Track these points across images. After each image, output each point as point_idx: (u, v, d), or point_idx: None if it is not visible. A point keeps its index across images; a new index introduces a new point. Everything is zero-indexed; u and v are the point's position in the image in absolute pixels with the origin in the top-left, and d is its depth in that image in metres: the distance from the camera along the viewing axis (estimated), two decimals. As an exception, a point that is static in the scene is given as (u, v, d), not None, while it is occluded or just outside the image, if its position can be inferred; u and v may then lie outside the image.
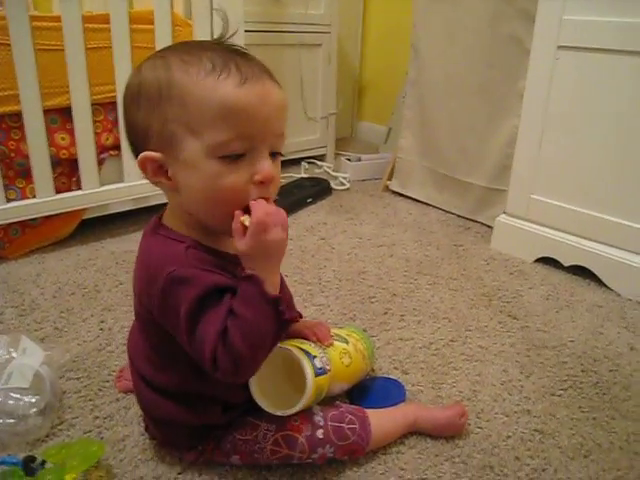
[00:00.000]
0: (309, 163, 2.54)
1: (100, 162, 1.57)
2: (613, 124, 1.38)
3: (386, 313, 1.30)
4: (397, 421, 0.89)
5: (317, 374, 0.80)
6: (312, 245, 1.66)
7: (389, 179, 2.19)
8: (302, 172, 2.42)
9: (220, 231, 0.73)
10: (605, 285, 1.45)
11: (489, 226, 1.77)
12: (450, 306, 1.34)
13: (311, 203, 2.01)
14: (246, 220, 0.67)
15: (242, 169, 0.68)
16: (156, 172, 0.70)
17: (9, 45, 1.33)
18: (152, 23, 1.53)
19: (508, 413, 0.98)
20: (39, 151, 1.43)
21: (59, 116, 1.48)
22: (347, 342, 0.94)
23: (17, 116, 1.40)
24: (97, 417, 0.93)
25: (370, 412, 0.86)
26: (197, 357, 0.70)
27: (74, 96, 1.45)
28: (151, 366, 0.79)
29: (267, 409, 0.79)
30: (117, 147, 1.59)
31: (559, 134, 1.48)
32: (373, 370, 1.06)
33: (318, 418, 0.82)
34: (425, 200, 2.05)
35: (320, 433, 0.81)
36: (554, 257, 1.55)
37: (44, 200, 1.48)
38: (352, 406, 0.88)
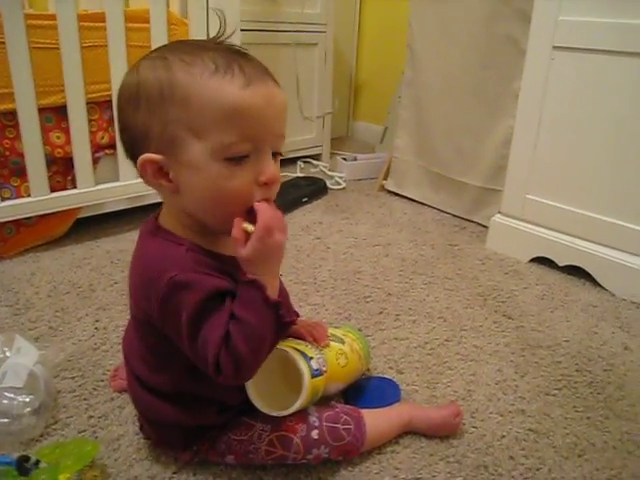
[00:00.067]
0: (305, 162, 2.54)
1: (95, 161, 1.57)
2: (608, 125, 1.38)
3: (381, 312, 1.30)
4: (392, 421, 0.89)
5: (313, 375, 0.80)
6: (307, 244, 1.66)
7: (385, 179, 2.19)
8: (298, 171, 2.42)
9: (220, 232, 0.72)
10: (600, 285, 1.46)
11: (484, 226, 1.78)
12: (445, 306, 1.34)
13: (307, 202, 2.01)
14: (248, 227, 0.67)
15: (246, 170, 0.67)
16: (156, 174, 0.69)
17: (4, 43, 1.32)
18: (148, 22, 1.53)
19: (503, 413, 0.99)
20: (34, 150, 1.43)
21: (54, 115, 1.48)
22: (343, 342, 0.94)
23: (12, 114, 1.40)
24: (92, 416, 0.93)
25: (365, 412, 0.86)
26: (199, 361, 0.70)
27: (69, 94, 1.45)
28: (146, 366, 0.79)
29: (262, 409, 0.79)
30: (112, 146, 1.58)
31: (554, 134, 1.49)
32: (368, 370, 1.06)
33: (313, 419, 0.82)
34: (421, 200, 2.06)
35: (315, 434, 0.81)
36: (549, 257, 1.56)
37: (39, 199, 1.47)
38: (347, 406, 0.88)
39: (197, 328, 0.68)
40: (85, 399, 0.97)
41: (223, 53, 0.67)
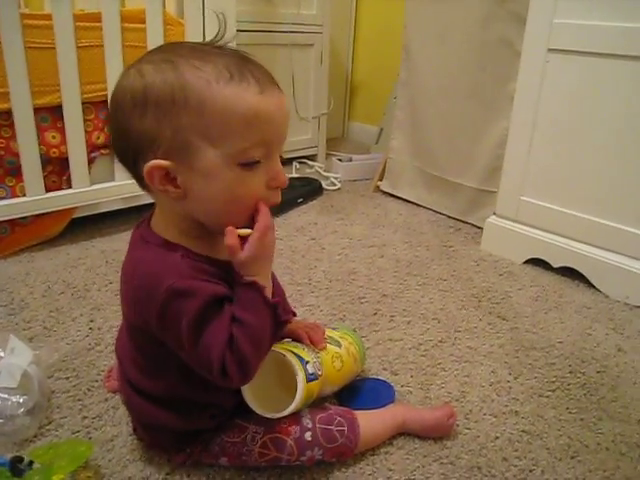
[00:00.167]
0: (300, 163, 2.54)
1: (91, 161, 1.57)
2: (603, 127, 1.39)
3: (376, 314, 1.30)
4: (386, 422, 0.90)
5: (309, 380, 0.80)
6: (302, 245, 1.66)
7: (380, 180, 2.19)
8: (293, 172, 2.42)
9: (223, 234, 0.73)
10: (594, 287, 1.46)
11: (479, 227, 1.78)
12: (440, 307, 1.35)
13: (302, 203, 2.01)
14: (244, 232, 0.69)
15: (258, 175, 0.68)
16: (163, 180, 0.68)
17: (-1, 43, 1.32)
18: (144, 22, 1.53)
19: (496, 414, 0.99)
20: (29, 149, 1.43)
21: (50, 114, 1.48)
22: (340, 345, 0.94)
23: (7, 114, 1.39)
24: (86, 417, 0.93)
25: (359, 414, 0.87)
26: (201, 367, 0.70)
27: (65, 94, 1.45)
28: (139, 371, 0.79)
29: (257, 410, 0.79)
30: (108, 146, 1.58)
31: (549, 136, 1.49)
32: (363, 371, 1.06)
33: (307, 420, 0.82)
34: (416, 201, 2.06)
35: (308, 435, 0.81)
36: (543, 258, 1.56)
37: (34, 199, 1.47)
38: (341, 408, 0.88)
39: (198, 335, 0.68)
40: (79, 399, 0.97)
41: (234, 59, 0.67)
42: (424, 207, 2.03)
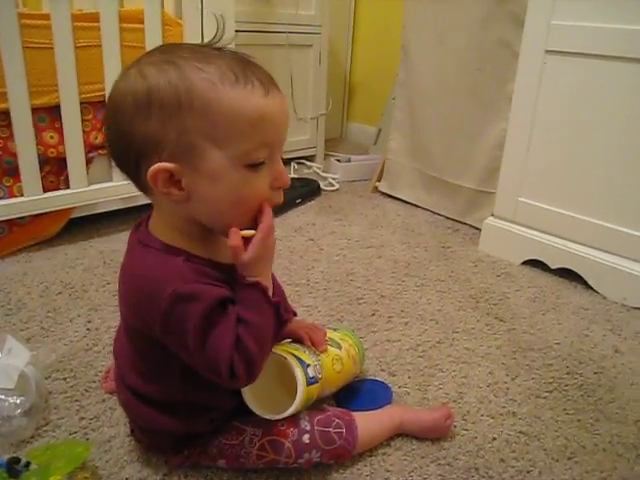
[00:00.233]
0: (298, 163, 2.54)
1: (89, 161, 1.57)
2: (601, 128, 1.39)
3: (374, 314, 1.30)
4: (383, 424, 0.90)
5: (309, 383, 0.81)
6: (300, 246, 1.66)
7: (378, 180, 2.19)
8: (291, 172, 2.42)
9: (226, 235, 0.72)
10: (591, 288, 1.47)
11: (477, 228, 1.78)
12: (437, 308, 1.35)
13: (300, 204, 2.01)
14: (248, 233, 0.70)
15: (262, 176, 0.69)
16: (166, 183, 0.67)
17: (-3, 43, 1.32)
18: (142, 22, 1.52)
19: (494, 415, 0.99)
20: (27, 149, 1.42)
21: (48, 114, 1.47)
22: (340, 347, 0.94)
23: (5, 114, 1.39)
24: (83, 418, 0.92)
25: (357, 415, 0.87)
26: (207, 370, 0.70)
27: (63, 94, 1.45)
28: (138, 375, 0.78)
29: (256, 411, 0.79)
30: (106, 146, 1.58)
31: (547, 138, 1.49)
32: (360, 371, 1.06)
33: (304, 423, 0.82)
34: (414, 202, 2.06)
35: (306, 438, 0.81)
36: (541, 260, 1.56)
37: (32, 199, 1.47)
38: (339, 409, 0.88)
39: (204, 338, 0.68)
40: (76, 400, 0.97)
41: (236, 61, 0.67)
42: (422, 208, 2.03)
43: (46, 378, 1.00)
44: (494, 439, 0.93)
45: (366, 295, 1.39)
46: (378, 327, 1.25)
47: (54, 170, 1.54)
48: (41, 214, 1.51)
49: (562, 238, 1.52)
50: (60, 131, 1.49)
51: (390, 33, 2.61)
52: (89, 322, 1.20)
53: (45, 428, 0.90)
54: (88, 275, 1.41)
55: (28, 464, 0.74)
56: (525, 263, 1.60)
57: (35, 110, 1.42)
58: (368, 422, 0.87)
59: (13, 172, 1.45)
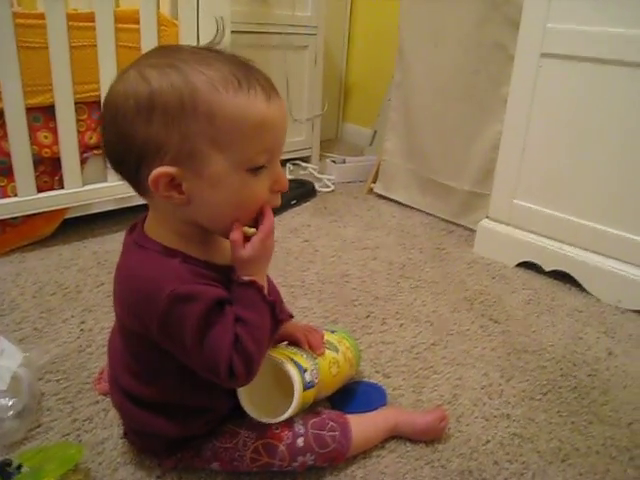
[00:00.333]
0: (294, 164, 2.54)
1: (83, 161, 1.56)
2: (595, 131, 1.40)
3: (368, 316, 1.30)
4: (378, 426, 0.90)
5: (306, 388, 0.81)
6: (296, 247, 1.66)
7: (373, 182, 2.19)
8: (287, 173, 2.42)
9: (226, 237, 0.73)
10: (585, 290, 1.47)
11: (472, 230, 1.79)
12: (432, 309, 1.35)
13: (295, 205, 2.01)
14: (249, 230, 0.71)
15: (262, 179, 0.70)
16: (167, 187, 0.67)
17: (-9, 42, 1.31)
18: (137, 22, 1.52)
19: (488, 417, 0.99)
20: (21, 149, 1.42)
21: (42, 114, 1.47)
22: (337, 350, 0.94)
23: (-1, 114, 1.39)
24: (76, 420, 0.92)
25: (351, 417, 0.86)
26: (205, 370, 0.71)
27: (58, 94, 1.44)
28: (132, 376, 0.78)
29: (252, 415, 0.79)
30: (100, 146, 1.57)
31: (542, 140, 1.50)
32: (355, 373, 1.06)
33: (299, 426, 0.82)
34: (409, 203, 2.06)
35: (301, 441, 0.80)
36: (535, 262, 1.57)
37: (25, 199, 1.46)
38: (333, 412, 0.88)
39: (203, 338, 0.68)
40: (69, 402, 0.96)
41: (237, 65, 0.67)
42: (417, 209, 2.03)
43: (39, 379, 1.00)
44: (488, 441, 0.93)
45: (361, 297, 1.39)
46: (373, 329, 1.25)
47: (48, 170, 1.54)
48: (35, 214, 1.50)
49: (557, 240, 1.52)
50: (54, 131, 1.48)
51: (386, 34, 2.61)
52: (83, 323, 1.20)
53: (37, 430, 0.89)
54: (82, 276, 1.40)
55: (20, 466, 0.73)
56: (520, 265, 1.60)
57: (29, 110, 1.41)
58: (362, 425, 0.87)
59: (7, 172, 1.44)
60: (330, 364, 0.90)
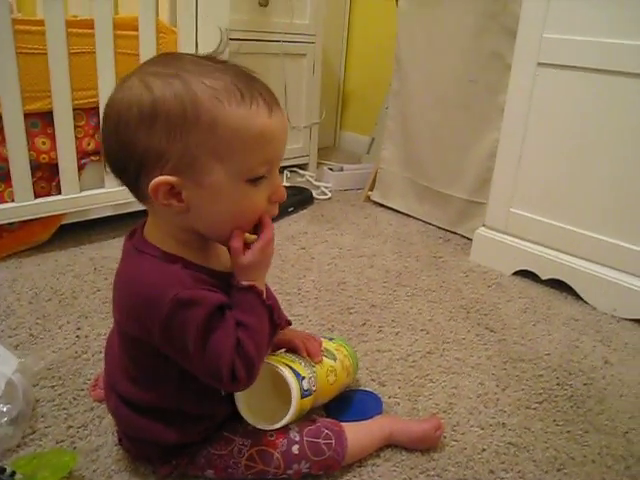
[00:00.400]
0: (291, 172, 2.54)
1: (81, 167, 1.56)
2: (591, 140, 1.40)
3: (364, 324, 1.30)
4: (373, 434, 0.89)
5: (303, 396, 0.81)
6: (292, 255, 1.66)
7: (371, 189, 2.20)
8: (284, 181, 2.42)
9: (225, 245, 0.75)
10: (582, 299, 1.47)
11: (469, 238, 1.79)
12: (428, 318, 1.35)
13: (292, 212, 2.01)
14: (250, 237, 0.72)
15: (261, 190, 0.71)
16: (167, 195, 0.68)
17: (-10, 48, 1.31)
18: (136, 29, 1.53)
19: (483, 426, 0.99)
20: (19, 155, 1.42)
21: (40, 120, 1.47)
22: (335, 359, 0.94)
23: (-3, 119, 1.39)
24: (71, 426, 0.92)
25: (346, 426, 0.86)
26: (207, 375, 0.71)
27: (56, 100, 1.44)
28: (130, 382, 0.78)
29: (249, 420, 0.79)
30: (98, 152, 1.57)
31: (538, 149, 1.50)
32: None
33: (294, 433, 0.82)
34: (406, 211, 2.07)
35: (296, 449, 0.80)
36: (532, 270, 1.57)
37: (23, 204, 1.46)
38: (328, 420, 0.88)
39: (205, 343, 0.69)
40: (64, 408, 0.96)
41: (239, 77, 0.68)
42: (414, 217, 2.03)
43: (34, 386, 0.99)
44: (484, 450, 0.93)
45: (357, 304, 1.39)
46: (369, 337, 1.25)
47: (46, 176, 1.54)
48: (32, 220, 1.50)
49: (553, 249, 1.52)
50: (52, 137, 1.48)
51: (384, 43, 2.61)
52: (78, 329, 1.19)
53: (32, 437, 0.89)
54: (78, 282, 1.40)
55: (14, 473, 0.73)
56: (516, 274, 1.60)
57: (28, 115, 1.42)
58: (358, 433, 0.87)
59: (4, 177, 1.44)
60: (327, 372, 0.90)
